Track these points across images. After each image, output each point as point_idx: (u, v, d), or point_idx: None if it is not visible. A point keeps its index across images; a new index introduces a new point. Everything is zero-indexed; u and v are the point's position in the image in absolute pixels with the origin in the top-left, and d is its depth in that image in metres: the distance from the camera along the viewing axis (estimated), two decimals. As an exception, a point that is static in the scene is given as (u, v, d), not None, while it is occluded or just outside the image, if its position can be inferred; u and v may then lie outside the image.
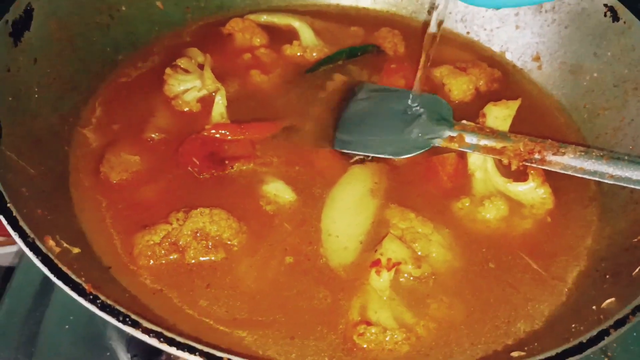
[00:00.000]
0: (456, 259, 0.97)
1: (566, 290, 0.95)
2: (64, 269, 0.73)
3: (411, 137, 1.10)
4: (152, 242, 0.91)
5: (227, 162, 1.03)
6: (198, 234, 0.92)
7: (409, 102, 1.13)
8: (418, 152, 1.09)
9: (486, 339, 0.88)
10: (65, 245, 0.84)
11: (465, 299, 0.92)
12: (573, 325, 0.83)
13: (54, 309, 1.17)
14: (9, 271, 1.25)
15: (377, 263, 0.91)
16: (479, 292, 0.94)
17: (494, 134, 1.07)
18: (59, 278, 0.73)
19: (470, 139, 1.07)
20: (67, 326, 1.15)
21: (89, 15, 1.18)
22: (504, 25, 1.38)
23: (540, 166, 1.02)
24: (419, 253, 0.95)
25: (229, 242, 0.94)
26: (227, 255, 0.93)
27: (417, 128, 1.11)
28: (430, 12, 1.45)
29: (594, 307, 0.85)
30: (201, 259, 0.92)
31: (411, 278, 0.93)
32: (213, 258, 0.92)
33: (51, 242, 0.79)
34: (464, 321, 0.90)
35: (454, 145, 1.07)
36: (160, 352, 1.06)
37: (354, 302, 0.89)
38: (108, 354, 1.12)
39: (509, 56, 1.38)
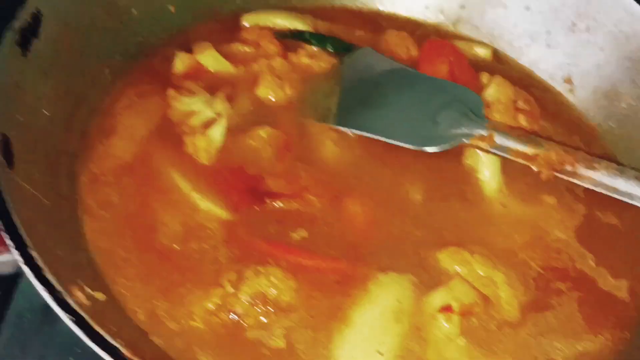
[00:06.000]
0: (523, 294, 0.91)
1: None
2: (100, 331, 0.64)
3: (439, 128, 1.03)
4: (204, 309, 0.82)
5: (267, 199, 0.94)
6: (257, 300, 0.83)
7: (434, 87, 1.07)
8: (446, 147, 1.01)
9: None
10: (88, 291, 0.74)
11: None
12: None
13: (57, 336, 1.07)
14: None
15: (448, 309, 0.84)
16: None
17: (526, 137, 1.01)
18: (93, 340, 0.63)
19: (500, 140, 1.00)
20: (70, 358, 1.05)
21: (99, 20, 1.06)
22: (533, 43, 1.32)
23: (571, 179, 0.97)
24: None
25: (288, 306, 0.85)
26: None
27: (445, 120, 1.03)
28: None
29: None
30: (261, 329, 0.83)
31: (479, 323, 0.87)
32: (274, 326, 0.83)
33: (79, 294, 0.69)
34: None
35: (483, 145, 1.01)
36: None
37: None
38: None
39: (538, 76, 1.32)
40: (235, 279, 0.84)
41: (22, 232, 0.67)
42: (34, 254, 0.66)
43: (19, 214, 0.70)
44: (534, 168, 0.99)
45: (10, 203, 0.68)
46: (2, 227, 0.65)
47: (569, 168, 0.96)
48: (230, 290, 0.83)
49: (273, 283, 0.84)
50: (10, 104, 0.82)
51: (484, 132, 1.02)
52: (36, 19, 0.90)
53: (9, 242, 0.65)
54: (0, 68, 0.80)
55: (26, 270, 0.64)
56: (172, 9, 1.20)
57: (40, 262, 0.66)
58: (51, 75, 0.94)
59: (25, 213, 0.72)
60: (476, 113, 1.05)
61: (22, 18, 0.87)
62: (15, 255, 0.65)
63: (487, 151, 1.03)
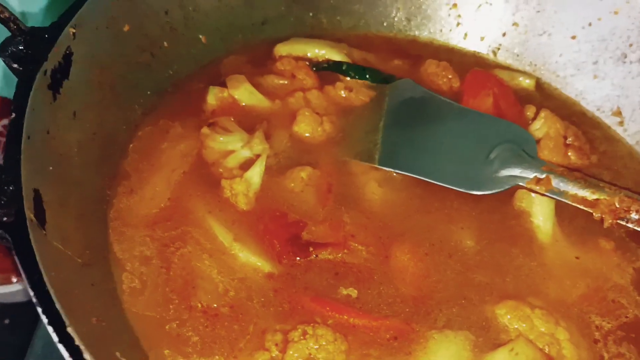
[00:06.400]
0: (586, 354, 0.84)
1: None
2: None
3: (490, 169, 0.97)
4: None
5: (311, 248, 0.87)
6: None
7: (483, 125, 1.02)
8: (499, 190, 0.97)
9: None
10: (127, 364, 0.67)
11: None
12: None
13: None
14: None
15: None
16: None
17: (586, 181, 0.94)
18: None
19: (558, 183, 0.94)
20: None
21: (131, 55, 1.01)
22: (579, 73, 1.25)
23: (637, 227, 0.90)
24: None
25: None
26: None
27: (497, 160, 0.98)
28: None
29: None
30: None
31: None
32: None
33: (121, 374, 0.63)
34: None
35: (539, 188, 0.95)
36: None
37: None
38: None
39: (584, 108, 1.25)
40: (281, 340, 0.78)
41: (59, 307, 0.60)
42: (72, 333, 0.59)
43: (54, 284, 0.63)
44: (595, 215, 0.92)
45: (45, 274, 0.61)
46: (38, 303, 0.59)
47: (634, 216, 0.90)
48: (276, 354, 0.77)
49: (322, 345, 0.77)
50: (40, 154, 0.76)
51: (540, 175, 0.96)
52: (67, 58, 0.84)
53: (44, 318, 0.58)
54: (30, 116, 0.73)
55: (63, 351, 0.58)
56: (203, 39, 1.14)
57: (78, 341, 0.59)
58: (81, 117, 0.88)
59: (59, 280, 0.66)
60: (530, 153, 0.99)
61: (54, 59, 0.81)
62: (51, 333, 0.58)
63: (542, 194, 0.97)
